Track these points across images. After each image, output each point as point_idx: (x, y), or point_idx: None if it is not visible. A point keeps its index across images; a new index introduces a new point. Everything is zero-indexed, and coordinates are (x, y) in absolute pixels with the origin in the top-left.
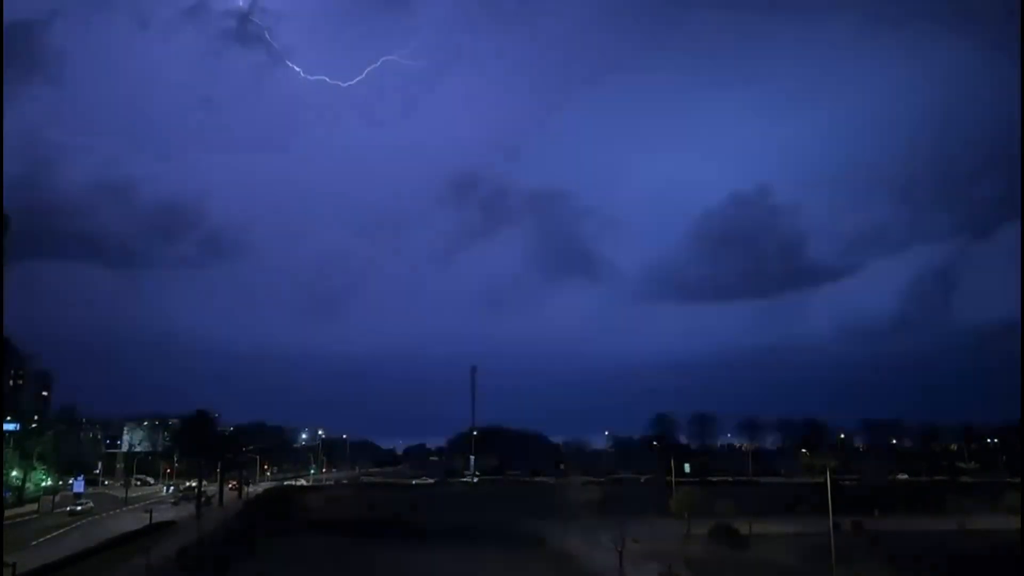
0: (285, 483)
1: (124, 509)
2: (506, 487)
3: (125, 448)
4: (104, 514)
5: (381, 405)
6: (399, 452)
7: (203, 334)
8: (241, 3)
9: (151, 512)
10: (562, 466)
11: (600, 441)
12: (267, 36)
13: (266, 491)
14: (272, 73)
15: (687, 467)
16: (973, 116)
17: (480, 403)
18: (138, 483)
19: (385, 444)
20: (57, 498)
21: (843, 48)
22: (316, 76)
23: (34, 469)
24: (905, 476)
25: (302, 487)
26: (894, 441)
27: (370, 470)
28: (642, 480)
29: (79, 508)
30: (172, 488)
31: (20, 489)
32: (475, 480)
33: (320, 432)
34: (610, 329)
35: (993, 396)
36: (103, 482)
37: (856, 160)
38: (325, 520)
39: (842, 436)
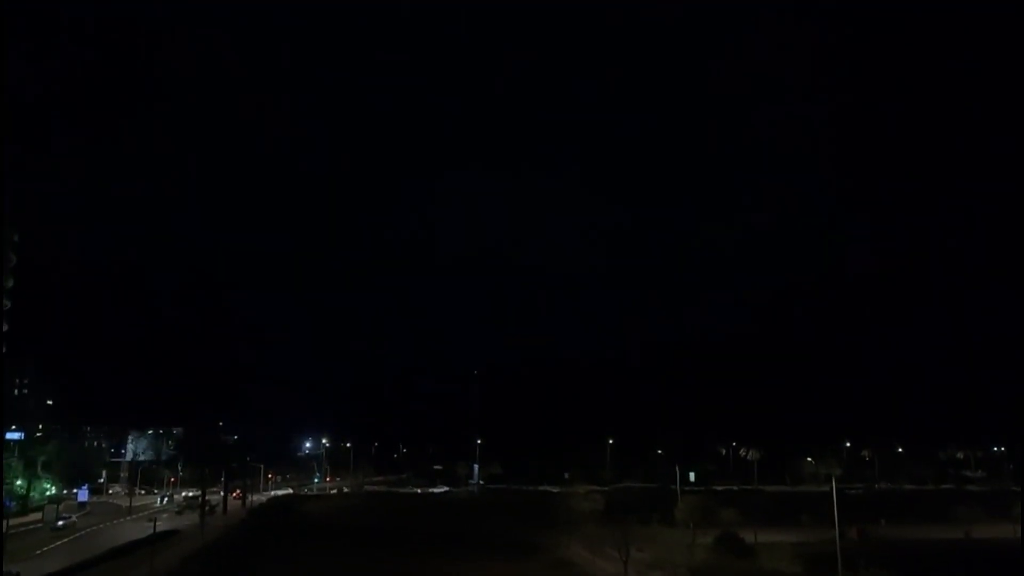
0: (273, 492)
1: (124, 519)
2: (510, 495)
3: (129, 457)
4: (101, 525)
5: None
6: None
7: None
8: None
9: (155, 521)
10: (566, 475)
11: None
12: None
13: (270, 500)
14: None
15: (692, 475)
16: None
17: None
18: (142, 492)
19: (387, 452)
20: (61, 507)
21: None
22: None
23: (38, 478)
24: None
25: (304, 496)
26: (900, 449)
27: (373, 478)
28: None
29: (60, 524)
30: (166, 499)
31: (25, 498)
32: (478, 488)
33: (324, 441)
34: None
35: None
36: (108, 491)
37: None
38: (327, 528)
39: (848, 444)
